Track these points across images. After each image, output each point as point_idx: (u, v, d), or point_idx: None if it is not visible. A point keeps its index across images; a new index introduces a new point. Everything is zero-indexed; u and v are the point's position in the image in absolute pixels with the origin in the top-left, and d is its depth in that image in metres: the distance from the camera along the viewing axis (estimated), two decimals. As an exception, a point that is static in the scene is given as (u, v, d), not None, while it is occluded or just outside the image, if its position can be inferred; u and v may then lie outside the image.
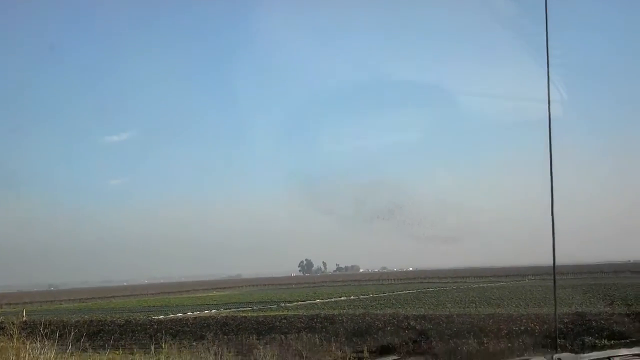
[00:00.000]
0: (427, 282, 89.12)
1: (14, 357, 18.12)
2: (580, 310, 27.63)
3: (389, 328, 29.58)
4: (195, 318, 40.85)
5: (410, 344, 24.32)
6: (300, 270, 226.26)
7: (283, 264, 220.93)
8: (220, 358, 19.08)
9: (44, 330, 24.15)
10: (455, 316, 31.86)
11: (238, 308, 52.27)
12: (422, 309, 39.04)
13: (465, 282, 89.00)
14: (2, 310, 63.69)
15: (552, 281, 8.77)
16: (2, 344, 20.22)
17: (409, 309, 40.14)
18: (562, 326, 22.22)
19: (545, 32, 7.89)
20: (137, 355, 24.72)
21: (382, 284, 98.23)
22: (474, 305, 41.46)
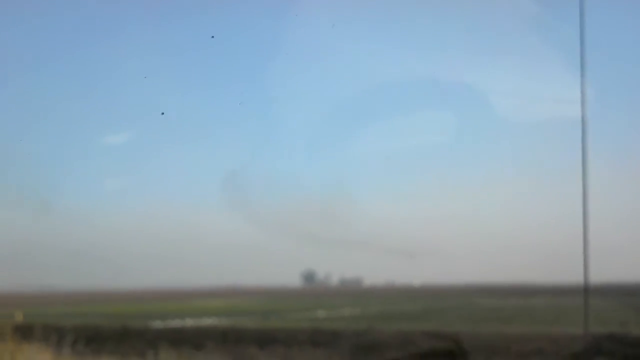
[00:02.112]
0: (434, 298, 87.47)
1: (9, 359, 17.05)
2: (614, 331, 26.24)
3: (394, 344, 28.42)
4: (194, 326, 39.58)
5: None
6: (302, 281, 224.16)
7: (284, 274, 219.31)
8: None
9: (40, 333, 22.96)
10: (465, 334, 30.65)
11: (238, 317, 50.99)
12: (430, 325, 37.65)
13: (476, 299, 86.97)
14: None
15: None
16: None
17: (415, 325, 38.74)
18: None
19: (579, 33, 6.91)
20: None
21: (387, 298, 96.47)
22: (484, 322, 40.05)
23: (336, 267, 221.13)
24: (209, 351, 25.40)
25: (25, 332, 31.33)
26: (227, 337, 32.04)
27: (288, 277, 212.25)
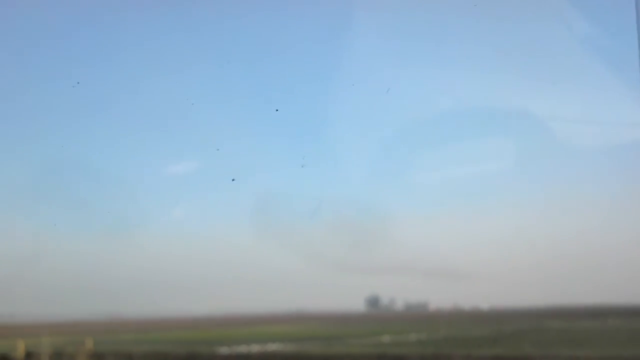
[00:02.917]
0: (504, 322, 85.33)
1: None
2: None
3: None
4: (260, 352, 39.69)
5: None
6: (366, 306, 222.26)
7: (347, 299, 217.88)
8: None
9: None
10: (536, 358, 29.90)
11: (302, 343, 50.85)
12: (499, 350, 36.78)
13: (546, 321, 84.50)
14: (67, 339, 63.75)
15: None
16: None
17: (484, 350, 37.91)
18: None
19: (638, 54, 6.64)
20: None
21: (454, 323, 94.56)
22: (555, 346, 38.88)
23: (400, 292, 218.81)
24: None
25: (96, 359, 32.03)
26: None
27: (352, 302, 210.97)
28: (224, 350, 42.86)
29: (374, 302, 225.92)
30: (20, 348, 39.79)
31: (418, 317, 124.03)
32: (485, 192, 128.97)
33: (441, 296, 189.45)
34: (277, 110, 41.84)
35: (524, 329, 65.28)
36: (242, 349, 44.76)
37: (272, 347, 47.05)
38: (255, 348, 45.08)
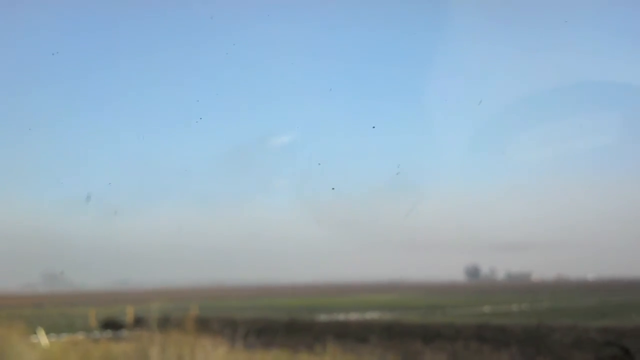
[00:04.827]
0: (610, 293, 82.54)
1: (189, 351, 18.09)
2: None
3: (567, 340, 27.09)
4: (358, 320, 39.93)
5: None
6: (465, 276, 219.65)
7: (446, 269, 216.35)
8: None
9: (215, 326, 24.14)
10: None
11: (401, 312, 50.89)
12: (606, 321, 35.50)
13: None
14: (174, 305, 66.48)
15: None
16: (177, 337, 20.27)
17: (590, 320, 36.71)
18: None
19: None
20: (302, 354, 24.01)
21: (558, 293, 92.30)
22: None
23: (502, 263, 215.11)
24: (374, 345, 25.50)
25: (201, 325, 33.11)
26: (391, 332, 32.00)
27: (451, 273, 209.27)
28: (323, 317, 43.41)
29: (473, 272, 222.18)
30: (130, 313, 41.65)
31: (520, 287, 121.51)
32: (592, 166, 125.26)
33: (545, 266, 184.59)
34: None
35: (632, 299, 62.81)
36: (342, 316, 45.22)
37: (371, 315, 47.29)
38: (354, 316, 45.44)
